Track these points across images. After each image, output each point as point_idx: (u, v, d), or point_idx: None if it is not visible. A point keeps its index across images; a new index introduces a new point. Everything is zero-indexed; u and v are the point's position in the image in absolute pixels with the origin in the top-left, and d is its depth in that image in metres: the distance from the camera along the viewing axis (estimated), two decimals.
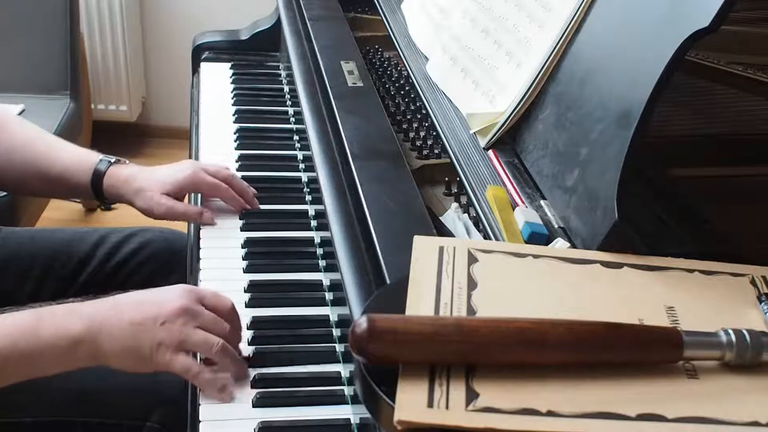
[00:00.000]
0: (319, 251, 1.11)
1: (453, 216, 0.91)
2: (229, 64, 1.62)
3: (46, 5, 2.23)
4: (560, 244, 0.74)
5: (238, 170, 1.27)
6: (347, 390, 0.90)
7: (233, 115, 1.44)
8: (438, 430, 0.53)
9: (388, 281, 0.75)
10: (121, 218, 2.56)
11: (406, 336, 0.56)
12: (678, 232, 0.78)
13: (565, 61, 0.87)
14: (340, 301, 0.96)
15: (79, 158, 1.20)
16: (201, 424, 0.86)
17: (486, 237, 0.80)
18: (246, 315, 0.99)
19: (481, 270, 0.67)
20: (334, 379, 0.92)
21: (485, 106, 0.96)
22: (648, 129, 0.72)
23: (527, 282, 0.67)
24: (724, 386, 0.58)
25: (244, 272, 1.08)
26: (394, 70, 1.30)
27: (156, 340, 0.87)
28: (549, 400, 0.55)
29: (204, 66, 1.62)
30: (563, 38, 0.87)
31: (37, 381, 0.89)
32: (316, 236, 1.13)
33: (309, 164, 1.16)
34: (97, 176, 1.17)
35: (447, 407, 0.54)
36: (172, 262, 1.26)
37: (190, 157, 1.38)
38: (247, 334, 0.96)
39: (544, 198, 0.82)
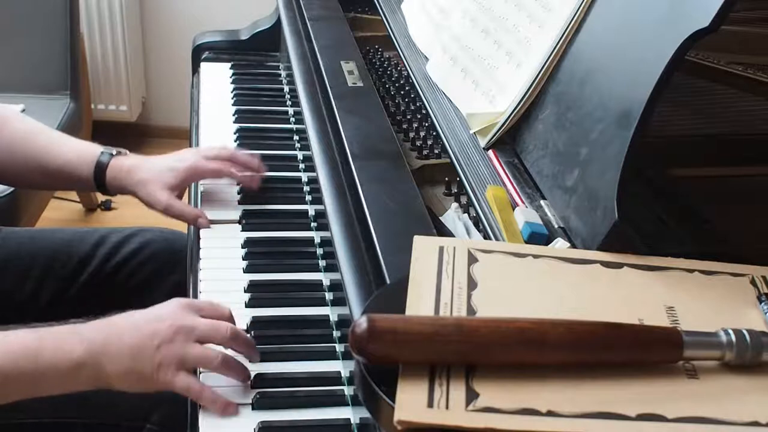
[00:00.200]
0: (319, 251, 1.11)
1: (453, 216, 0.91)
2: (229, 64, 1.62)
3: (46, 5, 2.23)
4: (560, 244, 0.74)
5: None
6: (347, 390, 0.90)
7: (233, 115, 1.45)
8: (438, 430, 0.53)
9: (388, 281, 0.75)
10: (121, 218, 2.56)
11: (406, 336, 0.56)
12: (678, 232, 0.78)
13: (565, 61, 0.87)
14: (340, 301, 0.96)
15: (81, 151, 1.20)
16: (201, 425, 0.86)
17: (486, 237, 0.80)
18: (246, 315, 1.00)
19: (481, 270, 0.67)
20: (334, 379, 0.92)
21: (485, 106, 0.96)
22: (648, 129, 0.72)
23: (527, 282, 0.67)
24: (724, 386, 0.58)
25: (244, 272, 1.08)
26: (394, 70, 1.30)
27: (156, 362, 0.86)
28: (549, 400, 0.55)
29: (204, 66, 1.62)
30: (563, 38, 0.87)
31: None
32: (316, 236, 1.13)
33: (309, 164, 1.16)
34: (100, 168, 1.17)
35: (447, 407, 0.54)
36: (172, 262, 1.26)
37: None
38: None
39: (544, 198, 0.82)
